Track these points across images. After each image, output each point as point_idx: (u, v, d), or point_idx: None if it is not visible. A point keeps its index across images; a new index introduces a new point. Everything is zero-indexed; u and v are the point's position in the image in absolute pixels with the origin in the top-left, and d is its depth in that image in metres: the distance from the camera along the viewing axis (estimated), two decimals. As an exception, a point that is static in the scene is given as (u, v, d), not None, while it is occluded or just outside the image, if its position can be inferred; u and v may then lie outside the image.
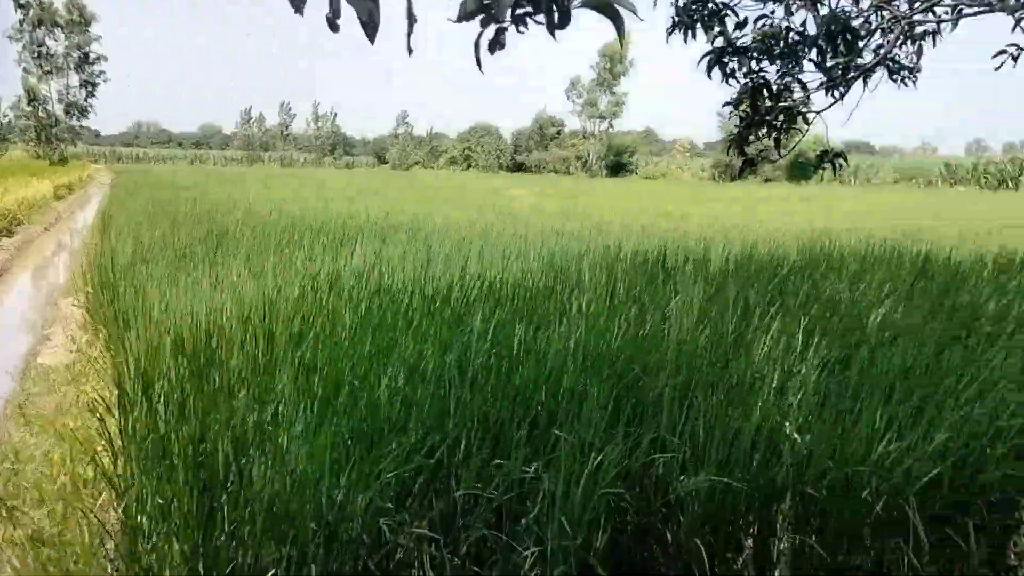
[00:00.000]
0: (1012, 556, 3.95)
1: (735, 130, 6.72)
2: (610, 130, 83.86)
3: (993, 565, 3.82)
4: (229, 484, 3.14)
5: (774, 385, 3.91)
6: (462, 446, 3.31)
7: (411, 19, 2.17)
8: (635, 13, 1.96)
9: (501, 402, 3.49)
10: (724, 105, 6.70)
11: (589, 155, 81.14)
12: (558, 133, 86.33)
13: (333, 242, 9.43)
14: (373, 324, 4.51)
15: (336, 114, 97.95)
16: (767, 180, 57.72)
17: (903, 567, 3.51)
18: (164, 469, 3.12)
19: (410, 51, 2.19)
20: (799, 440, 3.56)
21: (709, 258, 7.61)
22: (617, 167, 78.53)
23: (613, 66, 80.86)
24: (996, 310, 5.96)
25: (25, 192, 20.42)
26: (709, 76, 4.49)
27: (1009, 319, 5.71)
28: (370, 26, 2.07)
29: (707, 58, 4.68)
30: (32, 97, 58.17)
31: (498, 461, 3.27)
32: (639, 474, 3.33)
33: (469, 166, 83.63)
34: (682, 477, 3.32)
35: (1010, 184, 56.14)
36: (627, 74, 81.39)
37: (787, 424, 3.63)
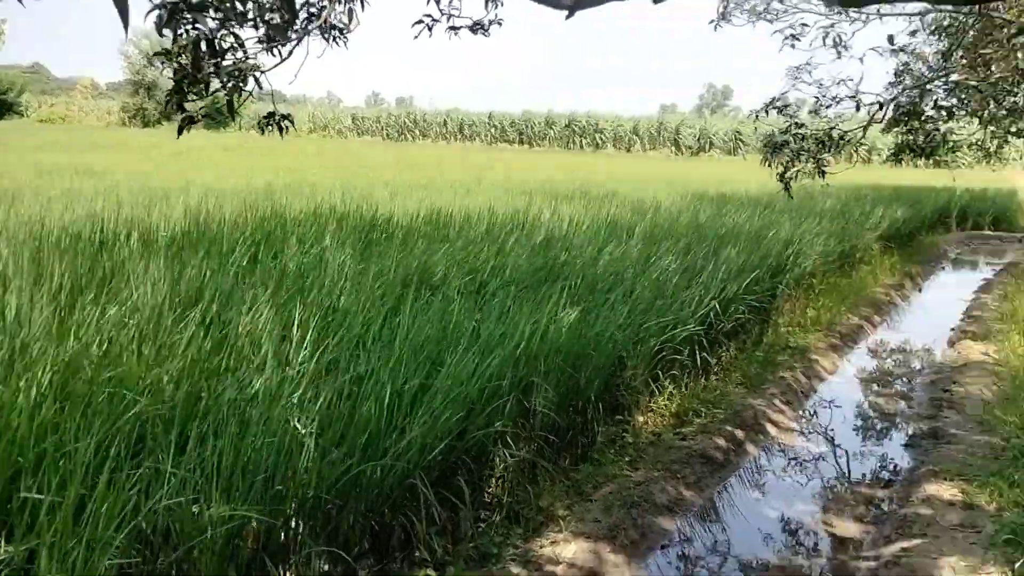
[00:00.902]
0: (487, 496, 4.52)
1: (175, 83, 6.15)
2: (-13, 62, 70.43)
3: (479, 511, 4.27)
4: None
5: (275, 384, 3.61)
6: None
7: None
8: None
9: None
10: (155, 55, 6.03)
11: (-42, 90, 67.04)
12: (-94, 60, 69.11)
13: None
14: None
15: None
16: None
17: (419, 539, 3.64)
18: None
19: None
20: (310, 443, 3.34)
21: (156, 228, 6.75)
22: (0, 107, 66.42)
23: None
24: (444, 270, 6.51)
25: None
26: (160, 33, 3.82)
27: (451, 277, 6.29)
28: None
29: (156, 12, 3.96)
30: None
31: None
32: (150, 523, 2.74)
33: None
34: (196, 512, 2.83)
35: (408, 137, 64.94)
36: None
37: (297, 427, 3.37)
